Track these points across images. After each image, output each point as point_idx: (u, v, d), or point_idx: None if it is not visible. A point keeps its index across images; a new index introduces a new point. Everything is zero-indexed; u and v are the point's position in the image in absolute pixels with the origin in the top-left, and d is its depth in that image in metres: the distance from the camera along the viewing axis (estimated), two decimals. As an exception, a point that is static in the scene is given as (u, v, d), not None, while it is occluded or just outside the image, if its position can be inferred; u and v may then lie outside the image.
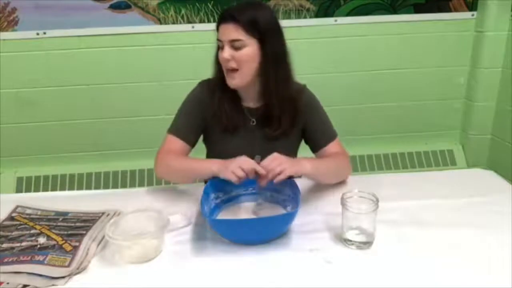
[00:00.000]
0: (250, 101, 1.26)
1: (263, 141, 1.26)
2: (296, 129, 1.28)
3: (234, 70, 1.16)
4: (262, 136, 1.26)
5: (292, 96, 1.23)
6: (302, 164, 1.10)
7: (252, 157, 1.18)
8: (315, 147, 1.31)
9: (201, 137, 1.33)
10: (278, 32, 1.18)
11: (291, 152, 1.35)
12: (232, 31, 1.12)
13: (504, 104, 2.22)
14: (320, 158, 1.26)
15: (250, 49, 1.14)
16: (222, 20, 1.14)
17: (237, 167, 1.02)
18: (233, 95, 1.25)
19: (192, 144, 1.27)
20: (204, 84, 1.29)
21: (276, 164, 1.04)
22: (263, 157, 1.22)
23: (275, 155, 1.07)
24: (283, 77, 1.20)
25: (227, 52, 1.13)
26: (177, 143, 1.24)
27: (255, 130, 1.26)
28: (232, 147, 1.24)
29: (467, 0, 2.17)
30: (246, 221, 1.01)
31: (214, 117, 1.25)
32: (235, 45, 1.13)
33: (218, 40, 1.16)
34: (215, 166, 1.08)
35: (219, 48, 1.17)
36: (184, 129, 1.26)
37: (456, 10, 2.18)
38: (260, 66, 1.17)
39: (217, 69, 1.23)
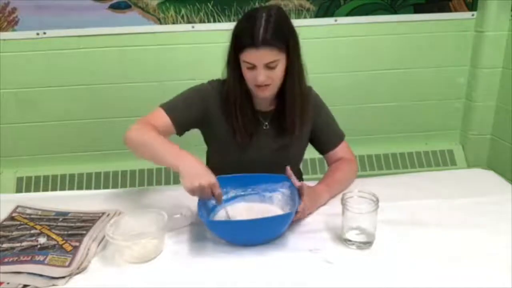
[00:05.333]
0: (263, 105, 1.25)
1: (276, 144, 1.25)
2: (306, 130, 1.28)
3: (267, 85, 1.13)
4: (275, 139, 1.25)
5: (305, 96, 1.23)
6: (323, 198, 1.15)
7: (264, 161, 1.20)
8: (324, 149, 1.32)
9: (203, 138, 1.32)
10: (295, 33, 1.14)
11: (301, 154, 1.35)
12: (267, 55, 1.08)
13: (504, 104, 2.22)
14: (332, 177, 1.23)
15: (282, 63, 1.12)
16: (251, 45, 1.07)
17: (204, 187, 0.96)
18: (248, 101, 1.21)
19: (179, 130, 1.19)
20: (215, 84, 1.25)
21: (308, 208, 1.07)
22: (274, 160, 1.23)
23: (308, 197, 1.07)
24: (300, 77, 1.19)
25: (263, 75, 1.10)
26: (164, 119, 1.15)
27: (268, 134, 1.25)
28: (245, 153, 1.23)
29: (467, 0, 2.16)
30: (243, 222, 1.01)
31: (226, 126, 1.22)
32: (270, 66, 1.10)
33: (246, 62, 1.10)
34: (181, 167, 0.98)
35: (247, 68, 1.12)
36: (177, 111, 1.18)
37: (456, 10, 2.18)
38: (286, 72, 1.15)
39: (235, 84, 1.17)
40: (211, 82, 1.27)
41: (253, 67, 1.10)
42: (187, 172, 0.98)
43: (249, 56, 1.09)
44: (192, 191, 0.97)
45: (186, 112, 1.20)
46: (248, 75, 1.13)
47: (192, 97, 1.23)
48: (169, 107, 1.19)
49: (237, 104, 1.19)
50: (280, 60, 1.11)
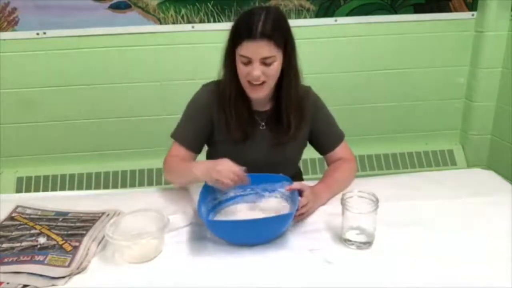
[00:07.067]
0: (260, 105, 1.25)
1: (273, 144, 1.25)
2: (303, 131, 1.27)
3: (262, 83, 1.13)
4: (272, 139, 1.25)
5: (301, 97, 1.23)
6: (323, 198, 1.16)
7: (262, 161, 1.19)
8: (324, 150, 1.32)
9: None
10: (292, 35, 1.15)
11: (298, 154, 1.35)
12: (265, 49, 1.08)
13: (504, 104, 2.22)
14: (331, 177, 1.24)
15: (278, 62, 1.12)
16: (249, 37, 1.07)
17: (223, 176, 1.01)
18: (244, 101, 1.21)
19: (197, 150, 1.27)
20: (209, 87, 1.26)
21: (309, 207, 1.07)
22: (271, 159, 1.23)
23: (310, 197, 1.07)
24: (296, 78, 1.19)
25: (258, 70, 1.09)
26: (181, 150, 1.24)
27: (265, 134, 1.25)
28: (242, 153, 1.23)
29: (467, 0, 2.16)
30: (243, 222, 1.01)
31: (224, 124, 1.22)
32: (266, 62, 1.10)
33: (243, 56, 1.10)
34: (199, 172, 1.07)
35: (242, 63, 1.11)
36: (187, 137, 1.25)
37: (456, 10, 2.18)
38: (281, 72, 1.16)
39: (231, 80, 1.17)
40: (206, 86, 1.27)
41: (249, 62, 1.10)
42: (202, 173, 1.07)
43: (246, 49, 1.09)
44: (215, 183, 1.03)
45: (196, 133, 1.25)
46: (243, 70, 1.12)
47: (194, 115, 1.25)
48: (181, 137, 1.25)
49: (231, 99, 1.19)
50: (276, 57, 1.11)
